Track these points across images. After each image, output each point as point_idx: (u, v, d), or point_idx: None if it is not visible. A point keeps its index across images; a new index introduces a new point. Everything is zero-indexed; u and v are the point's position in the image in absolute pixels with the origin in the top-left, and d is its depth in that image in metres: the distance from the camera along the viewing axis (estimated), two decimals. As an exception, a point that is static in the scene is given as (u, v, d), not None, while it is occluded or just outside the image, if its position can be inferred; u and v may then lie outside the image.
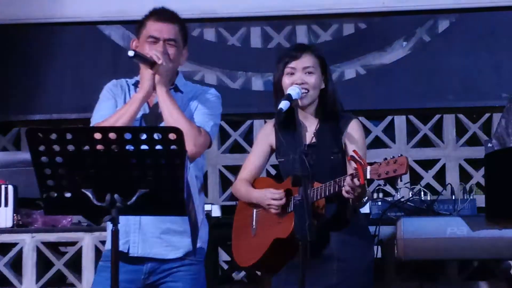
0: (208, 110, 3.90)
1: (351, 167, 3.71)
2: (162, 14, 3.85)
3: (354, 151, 3.57)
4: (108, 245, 3.87)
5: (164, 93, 3.76)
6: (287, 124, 3.88)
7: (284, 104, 3.68)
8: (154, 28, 3.82)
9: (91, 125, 3.88)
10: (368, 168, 3.48)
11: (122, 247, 3.71)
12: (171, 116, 3.71)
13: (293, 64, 3.91)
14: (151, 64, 3.73)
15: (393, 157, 3.44)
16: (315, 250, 3.64)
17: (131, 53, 3.66)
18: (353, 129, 3.93)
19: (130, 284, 3.78)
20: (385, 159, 3.46)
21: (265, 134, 4.13)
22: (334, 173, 3.73)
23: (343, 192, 3.57)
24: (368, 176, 3.47)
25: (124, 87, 3.95)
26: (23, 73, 7.11)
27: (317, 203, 3.71)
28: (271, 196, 3.89)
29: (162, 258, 3.79)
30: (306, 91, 3.87)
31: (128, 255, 3.77)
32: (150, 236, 3.78)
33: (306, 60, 3.92)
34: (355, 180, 3.50)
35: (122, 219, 3.60)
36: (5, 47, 7.30)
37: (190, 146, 3.69)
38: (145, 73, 3.76)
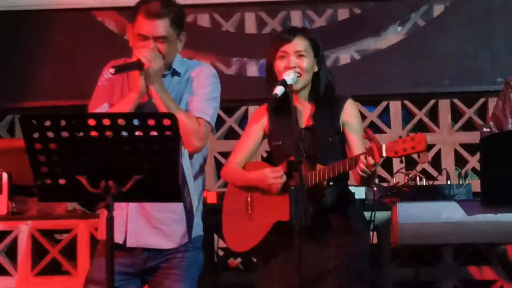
0: (207, 94, 3.87)
1: (356, 145, 3.73)
2: (151, 9, 3.75)
3: (366, 129, 3.58)
4: (103, 234, 3.85)
5: (157, 92, 3.72)
6: (281, 109, 3.88)
7: (279, 90, 3.70)
8: (143, 26, 3.76)
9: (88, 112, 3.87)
10: (384, 146, 3.48)
11: (119, 238, 3.72)
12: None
13: (285, 47, 3.92)
14: (140, 66, 3.69)
15: (410, 134, 3.46)
16: (311, 236, 3.64)
17: (112, 71, 3.63)
18: (349, 109, 3.96)
19: (128, 268, 3.80)
20: (400, 137, 3.47)
21: (258, 118, 4.12)
22: (332, 155, 3.75)
23: (358, 170, 3.57)
24: (384, 154, 3.48)
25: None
26: (17, 60, 7.08)
27: (323, 185, 3.71)
28: (272, 175, 3.88)
29: (159, 248, 3.79)
30: (299, 75, 3.88)
31: (125, 246, 3.77)
32: (147, 226, 3.78)
33: (298, 44, 3.93)
34: (370, 158, 3.51)
35: (119, 208, 3.64)
36: (-2, 35, 7.28)
37: (193, 141, 3.71)
38: (135, 76, 3.72)
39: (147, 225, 3.77)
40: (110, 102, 3.83)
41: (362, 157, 3.55)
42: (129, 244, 3.78)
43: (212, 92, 3.90)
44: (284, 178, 3.85)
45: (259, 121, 4.11)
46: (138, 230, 3.78)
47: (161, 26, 3.75)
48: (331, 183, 3.77)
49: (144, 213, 3.77)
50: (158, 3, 3.77)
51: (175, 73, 3.90)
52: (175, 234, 3.79)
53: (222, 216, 4.22)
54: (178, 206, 3.60)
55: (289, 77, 3.80)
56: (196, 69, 3.93)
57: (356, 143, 3.86)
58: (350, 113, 3.93)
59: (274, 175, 3.87)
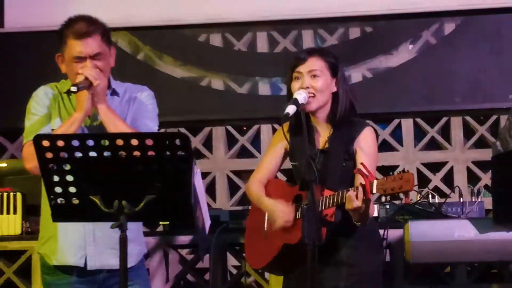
0: (150, 113, 3.92)
1: (357, 180, 3.70)
2: (80, 30, 3.74)
3: (361, 163, 3.55)
4: (61, 259, 3.83)
5: (105, 110, 3.73)
6: (297, 129, 3.87)
7: (290, 109, 3.66)
8: (77, 48, 3.74)
9: (24, 141, 3.90)
10: (375, 182, 3.47)
11: (78, 261, 3.76)
12: (116, 130, 3.67)
13: (299, 68, 3.89)
14: (89, 86, 3.69)
15: (400, 172, 3.43)
16: (325, 255, 3.64)
17: (74, 89, 3.61)
18: (366, 137, 3.89)
19: (83, 285, 3.82)
20: (392, 174, 3.45)
21: (280, 137, 4.09)
22: (344, 180, 3.73)
23: (347, 207, 3.56)
24: (374, 191, 3.46)
25: (57, 96, 3.91)
26: (30, 80, 7.11)
27: (326, 211, 3.70)
28: (281, 213, 3.88)
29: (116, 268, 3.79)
30: (312, 95, 3.85)
31: (86, 269, 3.79)
32: (105, 247, 3.78)
33: (312, 64, 3.89)
34: (360, 194, 3.50)
35: (76, 232, 3.73)
36: (12, 54, 7.33)
37: None
38: (83, 95, 3.71)
39: (105, 246, 3.77)
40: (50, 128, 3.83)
41: (352, 194, 3.53)
42: (90, 266, 3.78)
43: (154, 111, 3.96)
44: (290, 223, 3.85)
45: (280, 140, 4.09)
46: (97, 251, 3.79)
47: (94, 44, 3.75)
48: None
49: (101, 235, 3.78)
50: (83, 22, 3.77)
51: (114, 92, 3.92)
52: (131, 253, 3.78)
53: (246, 230, 4.25)
54: (132, 225, 3.63)
55: (300, 96, 3.76)
56: (140, 91, 3.97)
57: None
58: (365, 141, 3.87)
59: (283, 216, 3.85)
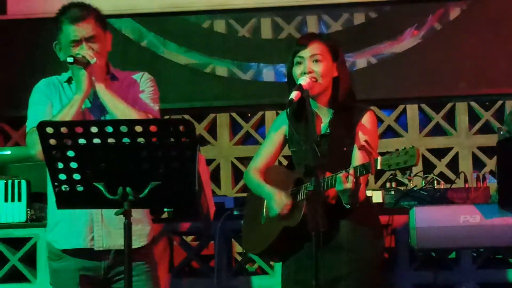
0: (151, 94, 3.94)
1: (358, 157, 3.70)
2: (73, 15, 3.81)
3: (365, 141, 3.54)
4: (70, 242, 3.84)
5: (104, 90, 3.77)
6: (299, 114, 3.86)
7: (294, 95, 3.66)
8: (72, 32, 3.80)
9: (27, 130, 3.93)
10: (379, 158, 3.47)
11: (86, 244, 3.77)
12: (117, 109, 3.72)
13: (301, 53, 3.88)
14: (86, 65, 3.74)
15: (404, 148, 3.43)
16: (325, 240, 3.63)
17: (70, 60, 3.69)
18: (367, 121, 3.89)
19: (89, 272, 3.82)
20: (397, 150, 3.44)
21: (279, 123, 4.10)
22: (346, 164, 3.71)
23: (337, 188, 3.58)
24: (379, 167, 3.46)
25: (57, 85, 3.95)
26: (34, 67, 7.13)
27: (327, 193, 3.70)
28: (278, 200, 3.89)
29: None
30: (315, 79, 3.83)
31: (93, 250, 3.79)
32: (113, 228, 3.78)
33: (314, 48, 3.88)
34: (350, 176, 3.51)
35: (84, 214, 3.74)
36: (16, 42, 7.33)
37: None
38: (81, 74, 3.76)
39: (113, 227, 3.78)
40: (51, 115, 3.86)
41: (342, 176, 3.55)
42: (97, 247, 3.80)
43: (155, 93, 3.98)
44: (287, 210, 3.85)
45: (279, 127, 4.09)
46: (105, 232, 3.80)
47: (89, 26, 3.81)
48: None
49: (109, 215, 3.76)
50: (76, 8, 3.85)
51: (114, 77, 3.96)
52: (140, 233, 3.81)
53: (243, 217, 4.26)
54: None
55: (304, 81, 3.77)
56: (138, 74, 4.01)
57: (358, 156, 3.78)
58: (366, 125, 3.87)
59: (279, 206, 3.87)
